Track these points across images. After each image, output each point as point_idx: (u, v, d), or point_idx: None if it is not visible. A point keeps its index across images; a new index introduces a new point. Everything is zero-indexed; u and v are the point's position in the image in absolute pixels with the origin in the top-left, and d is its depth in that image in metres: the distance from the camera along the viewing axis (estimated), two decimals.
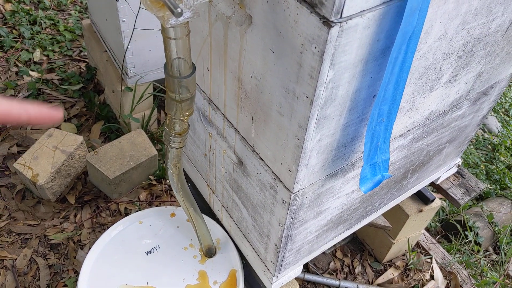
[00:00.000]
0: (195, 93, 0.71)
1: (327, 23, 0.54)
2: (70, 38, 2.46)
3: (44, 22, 2.53)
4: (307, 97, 0.65)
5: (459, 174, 1.48)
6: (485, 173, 2.75)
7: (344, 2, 0.53)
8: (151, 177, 1.88)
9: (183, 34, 0.60)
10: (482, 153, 3.02)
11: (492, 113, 3.64)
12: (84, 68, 2.30)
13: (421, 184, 1.35)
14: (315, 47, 0.58)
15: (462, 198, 1.38)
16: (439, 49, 0.76)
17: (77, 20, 2.59)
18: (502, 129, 3.40)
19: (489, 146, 3.16)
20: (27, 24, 2.48)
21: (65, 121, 2.08)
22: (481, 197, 2.53)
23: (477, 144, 3.14)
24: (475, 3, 0.73)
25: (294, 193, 0.81)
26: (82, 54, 2.40)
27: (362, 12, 0.56)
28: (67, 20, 2.61)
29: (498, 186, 2.63)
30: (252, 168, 0.92)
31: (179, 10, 0.50)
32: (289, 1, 0.59)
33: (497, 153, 3.04)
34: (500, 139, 3.20)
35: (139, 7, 1.54)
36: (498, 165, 2.86)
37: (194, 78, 0.68)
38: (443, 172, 1.39)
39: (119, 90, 1.84)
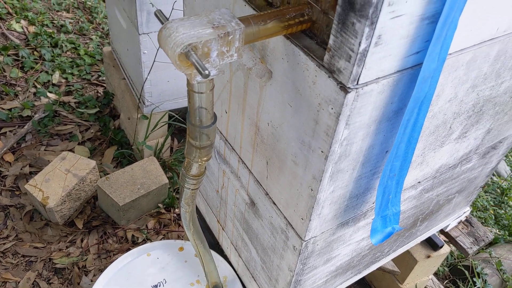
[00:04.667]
0: (214, 142, 0.74)
1: (344, 89, 0.57)
2: (90, 62, 2.54)
3: (65, 46, 2.62)
4: (322, 151, 0.67)
5: (468, 222, 1.47)
6: (493, 217, 2.72)
7: (361, 71, 0.56)
8: (160, 205, 1.90)
9: (207, 89, 0.63)
10: (491, 197, 3.00)
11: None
12: (102, 93, 2.36)
13: (430, 232, 1.35)
14: (332, 108, 0.61)
15: (471, 247, 1.37)
16: (449, 109, 0.78)
17: (98, 45, 2.69)
18: (511, 173, 3.38)
19: (498, 190, 3.13)
20: (49, 47, 2.57)
21: (78, 144, 2.12)
22: (490, 243, 2.49)
23: (486, 187, 3.12)
24: (484, 69, 0.75)
25: (305, 241, 0.82)
26: (100, 78, 2.48)
27: (378, 79, 0.59)
28: (88, 44, 2.70)
29: (507, 232, 2.60)
30: (264, 211, 0.94)
31: (206, 72, 0.53)
32: (308, 64, 0.62)
33: (506, 197, 3.01)
34: (509, 183, 3.17)
35: None
36: (507, 210, 2.83)
37: (215, 127, 0.71)
38: (452, 220, 1.39)
39: (135, 117, 1.89)
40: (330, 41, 0.57)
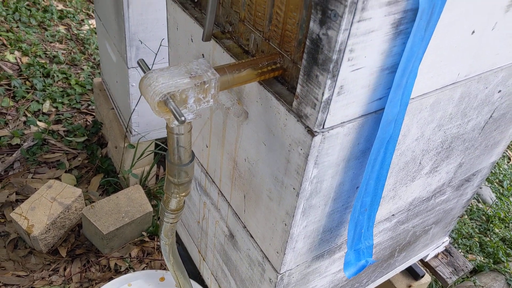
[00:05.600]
0: (193, 176, 0.78)
1: (311, 132, 0.62)
2: (80, 92, 2.58)
3: (57, 76, 2.66)
4: (294, 188, 0.71)
5: (447, 252, 1.50)
6: (478, 245, 2.75)
7: (326, 117, 0.60)
8: (144, 233, 1.90)
9: (185, 131, 0.67)
10: (476, 224, 3.04)
11: (486, 183, 3.69)
12: (90, 122, 2.39)
13: (409, 262, 1.38)
14: (301, 149, 0.65)
15: (450, 277, 1.40)
16: (417, 147, 0.83)
17: (89, 75, 2.74)
18: (496, 200, 3.43)
19: (483, 217, 3.18)
20: (40, 77, 2.61)
21: (65, 172, 2.13)
22: (475, 271, 2.51)
23: (471, 214, 3.16)
24: (449, 110, 0.81)
25: (281, 274, 0.84)
26: (90, 107, 2.51)
27: (343, 123, 0.64)
28: (79, 74, 2.75)
29: (492, 260, 2.62)
30: (242, 243, 0.96)
31: (183, 118, 0.57)
32: (280, 108, 0.67)
33: (491, 225, 3.05)
34: (494, 210, 3.22)
35: None
36: (492, 237, 2.86)
37: (193, 164, 0.74)
38: (431, 250, 1.42)
39: (122, 146, 1.92)
40: (298, 90, 0.61)
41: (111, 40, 1.79)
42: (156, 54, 1.61)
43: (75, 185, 2.07)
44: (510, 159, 4.07)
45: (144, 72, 0.63)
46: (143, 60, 0.66)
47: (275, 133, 0.70)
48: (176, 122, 0.62)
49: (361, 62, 0.57)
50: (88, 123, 2.40)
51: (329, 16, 0.51)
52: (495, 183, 3.79)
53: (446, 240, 1.43)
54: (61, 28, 3.13)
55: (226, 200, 0.98)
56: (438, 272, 1.44)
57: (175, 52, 0.99)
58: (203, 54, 0.86)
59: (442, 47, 0.66)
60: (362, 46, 0.55)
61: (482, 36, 0.70)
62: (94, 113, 2.46)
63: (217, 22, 0.85)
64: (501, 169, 3.93)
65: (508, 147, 3.96)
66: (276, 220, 0.79)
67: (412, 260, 1.39)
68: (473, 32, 0.68)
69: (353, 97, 0.61)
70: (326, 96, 0.57)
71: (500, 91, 0.89)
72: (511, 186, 3.47)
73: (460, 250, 2.72)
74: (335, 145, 0.66)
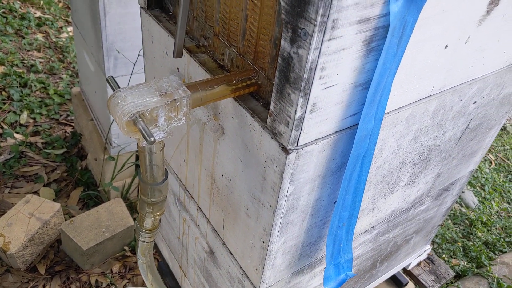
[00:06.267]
0: (167, 194, 0.76)
1: (285, 150, 0.61)
2: (59, 102, 2.53)
3: (35, 85, 2.61)
4: (270, 206, 0.69)
5: (429, 260, 1.51)
6: (461, 250, 2.78)
7: (300, 135, 0.59)
8: (126, 248, 1.86)
9: (157, 150, 0.65)
10: (459, 228, 3.07)
11: (469, 187, 3.75)
12: (69, 133, 2.34)
13: (392, 271, 1.37)
14: (276, 167, 0.64)
15: (433, 286, 1.40)
16: (394, 160, 0.83)
17: (68, 84, 2.69)
18: (479, 204, 3.48)
19: (466, 221, 3.22)
20: (18, 87, 2.55)
21: (44, 185, 2.08)
22: (459, 276, 2.54)
23: (455, 219, 3.20)
24: (425, 123, 0.81)
25: None
26: (69, 118, 2.46)
27: (317, 140, 0.63)
28: (58, 83, 2.70)
29: (475, 264, 2.65)
30: (222, 260, 0.95)
31: (152, 139, 0.55)
32: (254, 125, 0.66)
33: (474, 229, 3.09)
34: (477, 214, 3.27)
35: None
36: (475, 241, 2.90)
37: (167, 183, 0.73)
38: (414, 258, 1.42)
39: (102, 158, 1.88)
40: (271, 107, 0.61)
41: (88, 49, 1.76)
42: (135, 64, 1.59)
43: (54, 199, 2.02)
44: (491, 163, 4.14)
45: (113, 90, 0.61)
46: (112, 77, 0.65)
47: (251, 150, 0.69)
48: (146, 142, 0.61)
49: (333, 79, 0.56)
50: (67, 134, 2.35)
51: (299, 35, 0.51)
52: (477, 187, 3.85)
53: (428, 248, 1.44)
54: (39, 36, 3.07)
55: (205, 216, 0.96)
56: (421, 280, 1.44)
57: (151, 64, 0.98)
58: (178, 68, 0.85)
59: (416, 62, 0.66)
60: (333, 64, 0.54)
61: (455, 50, 0.71)
62: (73, 124, 2.41)
63: (192, 35, 0.84)
64: (482, 173, 3.99)
65: (490, 151, 4.03)
66: (254, 237, 0.78)
67: (395, 270, 1.39)
68: (446, 46, 0.68)
69: (326, 114, 0.60)
70: (298, 114, 0.57)
71: (475, 102, 0.90)
72: (492, 190, 3.53)
73: (444, 255, 2.74)
74: (310, 161, 0.65)
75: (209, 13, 0.75)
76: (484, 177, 4.04)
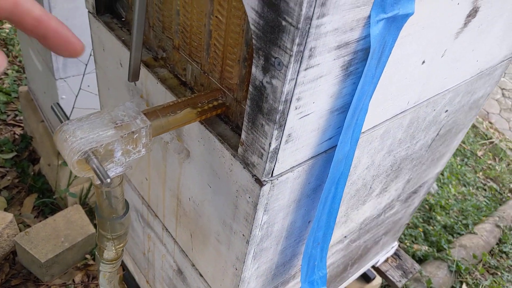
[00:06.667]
0: (129, 227, 0.69)
1: (259, 182, 0.56)
2: (5, 100, 2.33)
3: None
4: (243, 235, 0.65)
5: (396, 255, 1.53)
6: (423, 235, 2.88)
7: (274, 166, 0.55)
8: (87, 256, 1.76)
9: (116, 184, 0.58)
10: (420, 214, 3.18)
11: None
12: (19, 135, 2.17)
13: (361, 271, 1.38)
14: (249, 197, 0.59)
15: (400, 281, 1.43)
16: (368, 174, 0.80)
17: (14, 81, 2.48)
18: (438, 189, 3.62)
19: (427, 206, 3.34)
20: None
21: None
22: (420, 260, 2.63)
23: None
24: (398, 136, 0.79)
25: None
26: (17, 118, 2.28)
27: (292, 168, 0.58)
28: (3, 80, 2.48)
29: (435, 249, 2.76)
30: (192, 281, 0.89)
31: (108, 180, 0.49)
32: (224, 152, 0.60)
33: (434, 213, 3.21)
34: (436, 199, 3.39)
35: (80, 88, 1.50)
36: (435, 226, 3.01)
37: (129, 215, 0.66)
38: (382, 256, 1.44)
39: (56, 164, 1.75)
40: (243, 136, 0.55)
41: (34, 47, 1.61)
42: (87, 64, 1.47)
43: (5, 208, 1.87)
44: None
45: (60, 121, 0.53)
46: (58, 104, 0.56)
47: (221, 177, 0.64)
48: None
49: (310, 108, 0.51)
50: (16, 137, 2.18)
51: (273, 64, 0.45)
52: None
53: (395, 245, 1.45)
54: None
55: (172, 236, 0.90)
56: (389, 276, 1.46)
57: (104, 74, 0.89)
58: (135, 83, 0.77)
59: (393, 81, 0.62)
60: (310, 93, 0.49)
61: (431, 64, 0.68)
62: (23, 124, 2.24)
63: (148, 46, 0.76)
64: None
65: None
66: (226, 264, 0.73)
67: (364, 269, 1.40)
68: (423, 62, 0.65)
69: (302, 142, 0.56)
70: (273, 146, 0.52)
71: (447, 110, 0.89)
72: (450, 175, 3.67)
73: (406, 241, 2.84)
74: (285, 189, 0.61)
75: (167, 24, 0.68)
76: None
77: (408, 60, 0.61)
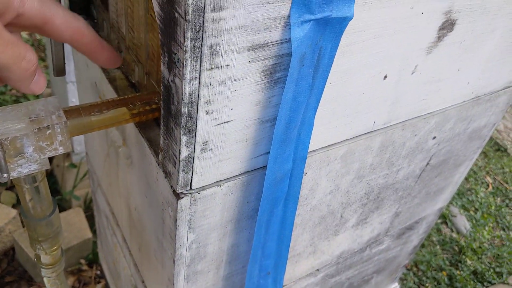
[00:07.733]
0: (61, 228, 0.65)
1: (176, 194, 0.51)
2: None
3: None
4: (170, 254, 0.59)
5: None
6: (446, 279, 2.65)
7: (192, 177, 0.49)
8: (82, 261, 1.76)
9: (39, 179, 0.55)
10: (447, 256, 2.94)
11: (462, 211, 3.59)
12: None
13: None
14: (171, 211, 0.54)
15: None
16: (334, 200, 0.72)
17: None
18: (471, 229, 3.34)
19: (456, 248, 3.08)
20: None
21: (6, 189, 1.99)
22: None
23: (444, 245, 3.06)
24: (369, 161, 0.70)
25: None
26: None
27: (219, 182, 0.53)
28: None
29: None
30: None
31: (5, 175, 0.46)
32: (151, 159, 0.56)
33: (463, 256, 2.95)
34: (467, 241, 3.13)
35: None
36: (464, 270, 2.76)
37: (57, 214, 0.62)
38: None
39: (63, 165, 1.79)
40: (161, 141, 0.50)
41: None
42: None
43: (14, 205, 1.93)
44: (488, 186, 3.98)
45: None
46: None
47: (152, 187, 0.59)
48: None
49: (228, 115, 0.46)
50: None
51: (174, 61, 0.41)
52: (471, 211, 3.69)
53: (394, 286, 1.32)
54: None
55: (128, 248, 0.86)
56: None
57: (79, 75, 0.88)
58: (96, 83, 0.75)
59: (345, 95, 0.56)
60: (223, 97, 0.44)
61: (399, 81, 0.60)
62: None
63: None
64: (478, 196, 3.84)
65: (488, 173, 3.87)
66: (163, 282, 0.68)
67: None
68: (386, 77, 0.58)
69: (226, 153, 0.50)
70: (184, 153, 0.46)
71: (435, 137, 0.79)
72: (487, 215, 3.38)
73: (427, 284, 2.62)
74: (214, 206, 0.55)
75: (121, 24, 0.65)
76: (479, 201, 3.89)
77: (363, 72, 0.54)
